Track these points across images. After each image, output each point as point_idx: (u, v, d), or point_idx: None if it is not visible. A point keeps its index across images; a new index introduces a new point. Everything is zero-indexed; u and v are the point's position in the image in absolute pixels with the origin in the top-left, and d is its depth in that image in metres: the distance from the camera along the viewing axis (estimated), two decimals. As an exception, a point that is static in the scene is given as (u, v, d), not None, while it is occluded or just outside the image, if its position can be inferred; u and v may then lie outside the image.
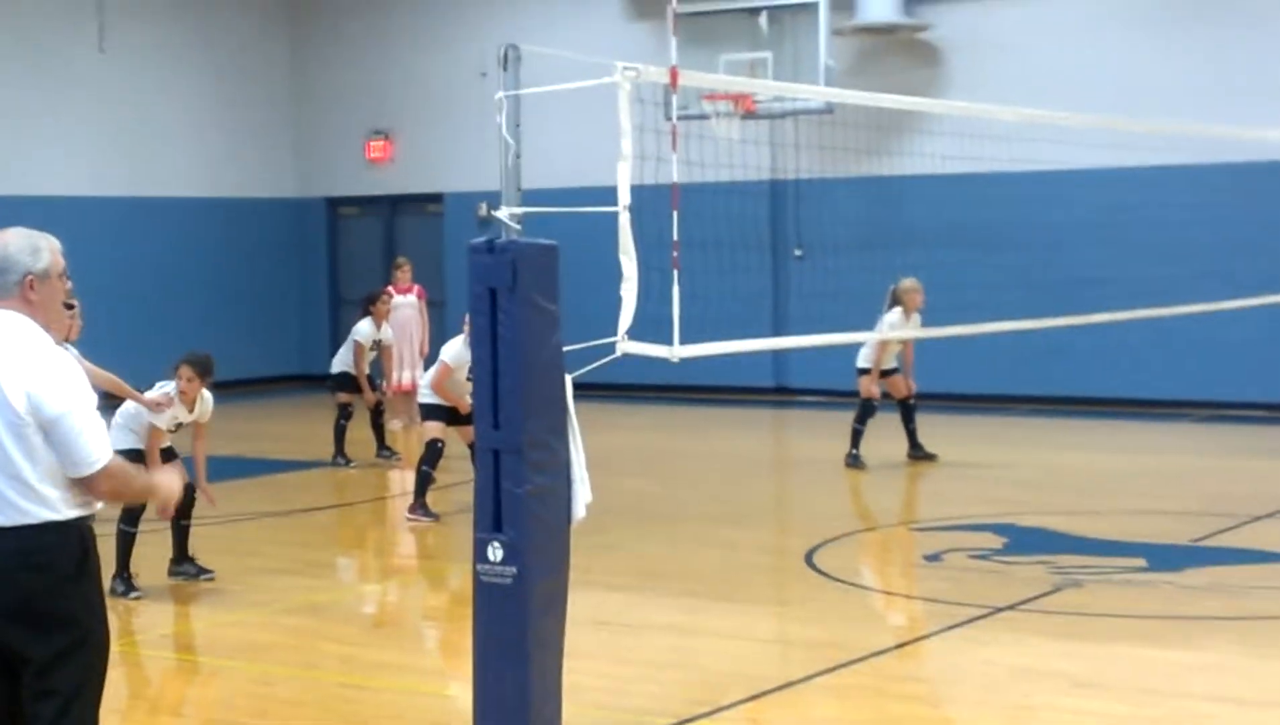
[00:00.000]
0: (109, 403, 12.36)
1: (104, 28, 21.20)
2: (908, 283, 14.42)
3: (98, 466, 4.74)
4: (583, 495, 6.66)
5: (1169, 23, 18.19)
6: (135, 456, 9.48)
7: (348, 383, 15.55)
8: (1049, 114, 12.32)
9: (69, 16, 20.98)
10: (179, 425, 9.92)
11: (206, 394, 9.99)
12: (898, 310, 14.29)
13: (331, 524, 13.17)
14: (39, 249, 4.88)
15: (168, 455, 9.89)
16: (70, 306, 5.05)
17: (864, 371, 14.56)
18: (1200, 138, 14.98)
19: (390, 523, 13.26)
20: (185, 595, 9.92)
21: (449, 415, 12.23)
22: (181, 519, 9.90)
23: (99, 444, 4.75)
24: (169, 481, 5.19)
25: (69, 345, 6.96)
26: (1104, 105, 16.26)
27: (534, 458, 6.38)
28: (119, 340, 19.58)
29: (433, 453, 12.21)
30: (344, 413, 15.39)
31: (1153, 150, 15.68)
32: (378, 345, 15.97)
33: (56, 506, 4.73)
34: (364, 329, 15.77)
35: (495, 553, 6.35)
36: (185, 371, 9.88)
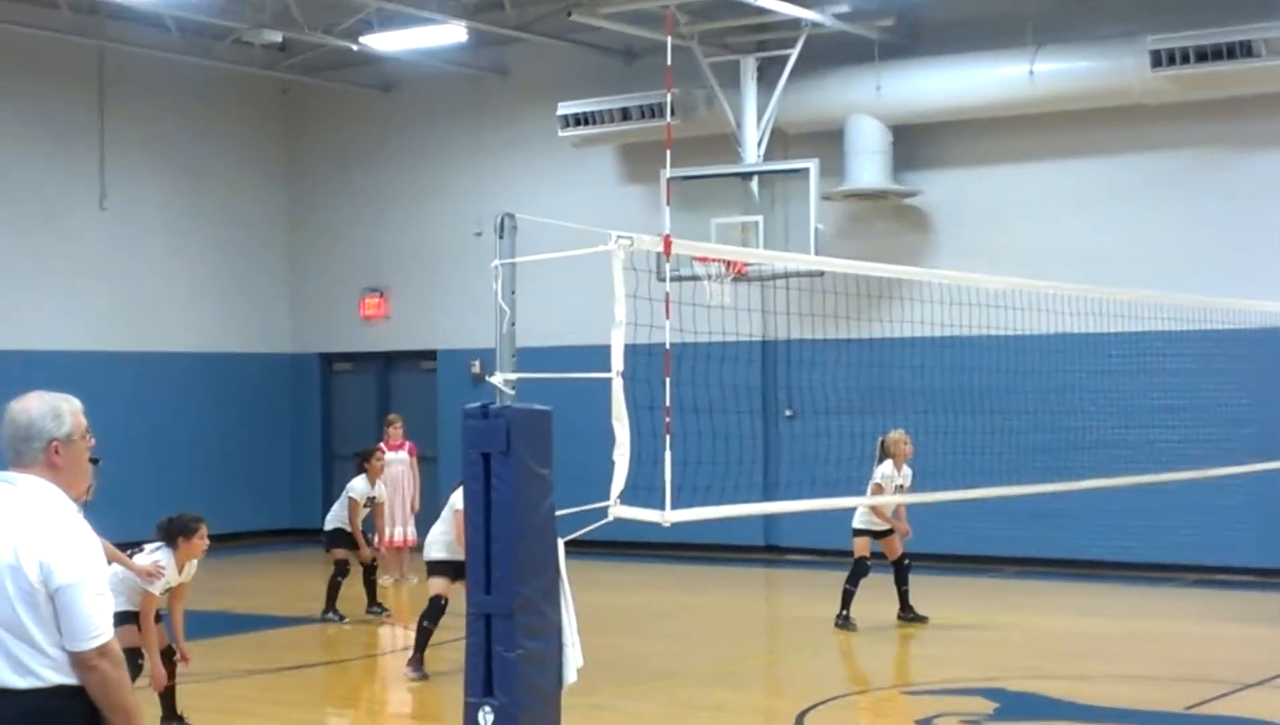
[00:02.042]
0: None
1: (105, 185, 21.53)
2: (895, 435, 14.58)
3: (96, 643, 4.69)
4: (574, 659, 6.70)
5: (1152, 195, 18.52)
6: (127, 618, 9.49)
7: (343, 539, 15.57)
8: (1036, 283, 12.53)
9: (71, 172, 21.32)
10: (168, 590, 9.91)
11: None
12: (888, 462, 14.43)
13: (321, 682, 13.10)
14: (60, 413, 4.91)
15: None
16: (95, 461, 5.04)
17: (859, 532, 14.60)
18: (1182, 306, 15.17)
19: (381, 680, 13.20)
20: (172, 755, 9.85)
21: (454, 571, 12.09)
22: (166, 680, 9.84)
23: (102, 621, 4.72)
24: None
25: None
26: (1090, 272, 16.50)
27: (525, 622, 6.43)
28: (112, 493, 19.58)
29: (435, 609, 12.17)
30: (340, 570, 15.37)
31: (1139, 317, 15.88)
32: (371, 502, 15.99)
33: (68, 671, 4.72)
34: (358, 486, 15.80)
35: (486, 718, 6.37)
36: (204, 530, 9.93)
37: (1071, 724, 10.38)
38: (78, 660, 4.70)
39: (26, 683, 4.70)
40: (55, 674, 4.72)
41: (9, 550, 4.70)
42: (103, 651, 4.72)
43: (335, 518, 15.76)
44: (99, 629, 4.71)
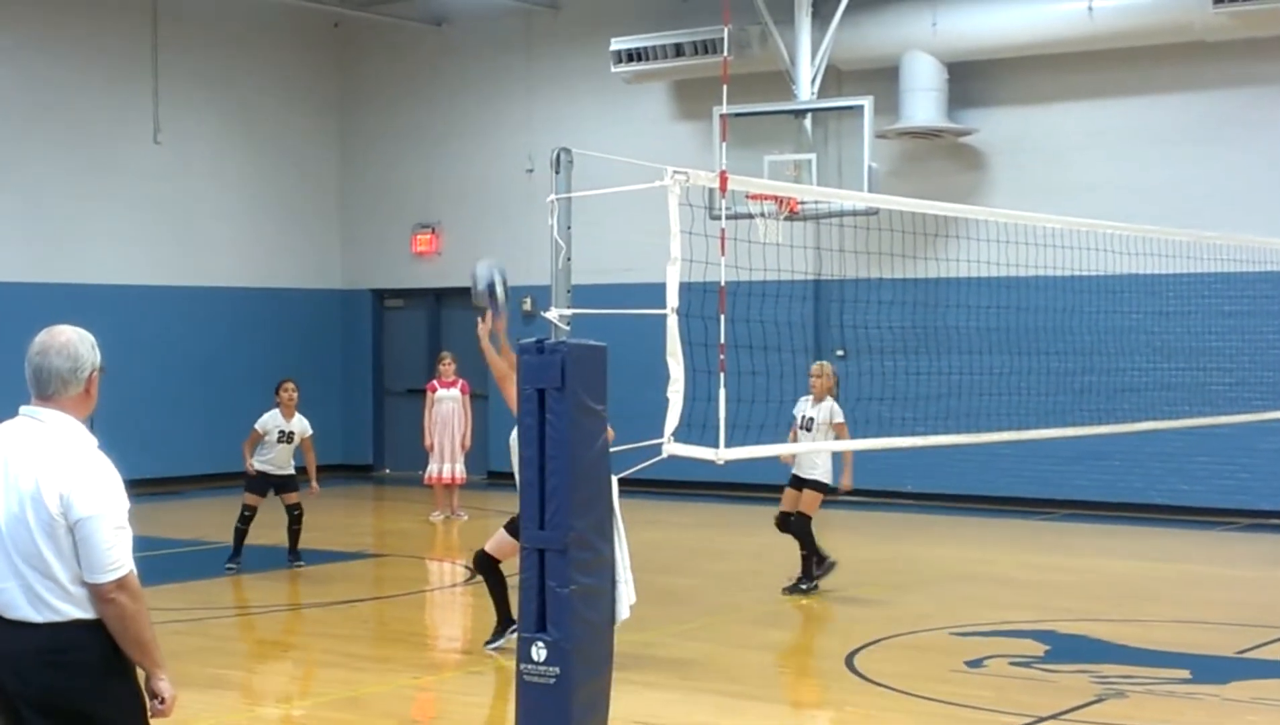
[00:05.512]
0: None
1: (159, 120, 21.57)
2: (813, 368, 13.49)
3: (114, 575, 4.71)
4: (626, 596, 6.71)
5: (1211, 134, 18.31)
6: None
7: (252, 482, 14.47)
8: (1092, 223, 12.38)
9: (125, 108, 21.37)
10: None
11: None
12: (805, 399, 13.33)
13: (372, 616, 13.19)
14: (92, 342, 4.97)
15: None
16: (102, 370, 5.05)
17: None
18: (1241, 247, 15.00)
19: (429, 615, 13.26)
20: (226, 684, 9.93)
21: None
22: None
23: (120, 554, 4.74)
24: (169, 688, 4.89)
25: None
26: (1147, 212, 16.32)
27: (579, 558, 6.43)
28: (162, 427, 19.78)
29: None
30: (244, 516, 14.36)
31: (1196, 258, 15.71)
32: (289, 437, 14.71)
33: (86, 605, 4.75)
34: (264, 419, 14.74)
35: (539, 652, 6.38)
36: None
37: (1122, 667, 10.34)
38: (96, 593, 4.73)
39: (43, 616, 4.73)
40: (73, 608, 4.75)
41: (31, 482, 4.74)
42: (121, 584, 4.74)
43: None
44: (117, 561, 4.73)
